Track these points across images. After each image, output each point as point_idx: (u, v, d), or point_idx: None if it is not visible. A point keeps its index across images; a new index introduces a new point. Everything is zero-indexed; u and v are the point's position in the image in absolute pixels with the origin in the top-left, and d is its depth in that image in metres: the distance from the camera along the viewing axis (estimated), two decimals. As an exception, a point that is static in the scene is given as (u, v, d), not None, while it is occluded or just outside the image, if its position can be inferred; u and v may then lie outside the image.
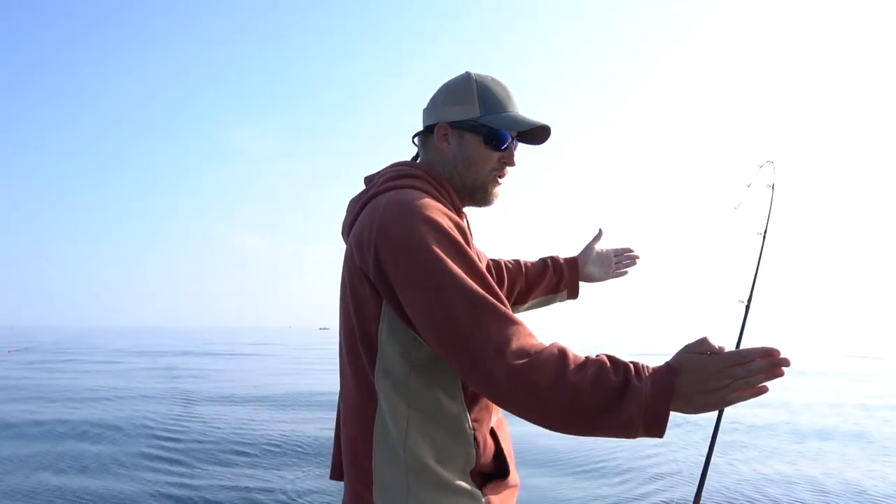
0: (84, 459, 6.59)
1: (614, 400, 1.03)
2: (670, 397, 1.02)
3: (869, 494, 5.20)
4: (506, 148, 1.37)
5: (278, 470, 6.22)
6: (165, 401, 11.46)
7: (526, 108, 1.41)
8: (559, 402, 1.05)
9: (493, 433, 1.31)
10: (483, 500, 1.24)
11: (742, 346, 1.93)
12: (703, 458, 1.87)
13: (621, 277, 1.87)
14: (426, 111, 1.43)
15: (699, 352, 1.05)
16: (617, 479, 5.64)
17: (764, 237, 2.04)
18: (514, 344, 1.08)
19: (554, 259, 1.83)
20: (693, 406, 1.04)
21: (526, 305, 1.82)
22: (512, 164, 1.39)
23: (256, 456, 6.79)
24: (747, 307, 1.97)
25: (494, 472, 1.30)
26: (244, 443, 7.51)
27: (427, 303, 1.13)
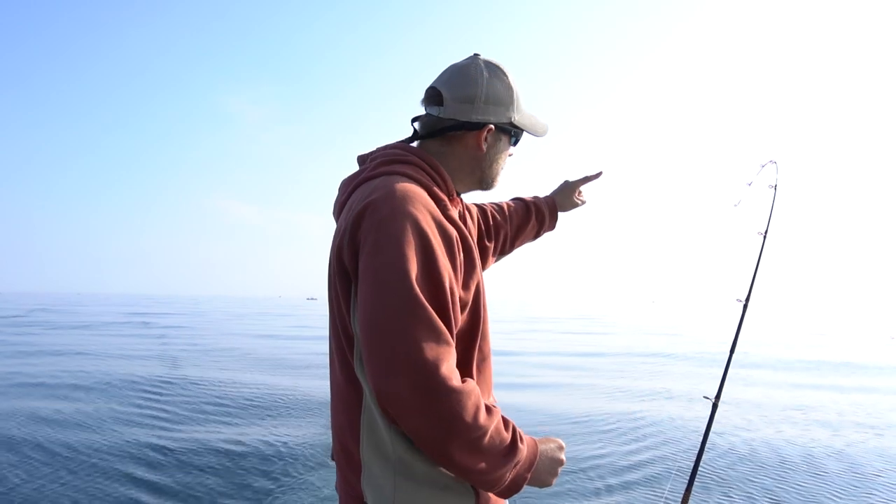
0: (62, 414, 6.68)
1: (501, 455, 1.14)
2: (531, 469, 1.20)
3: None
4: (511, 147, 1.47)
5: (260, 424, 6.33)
6: (150, 361, 11.55)
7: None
8: (461, 434, 1.09)
9: None
10: (473, 495, 1.23)
11: (738, 344, 2.03)
12: (704, 426, 1.95)
13: (581, 206, 1.93)
14: (455, 101, 1.36)
15: (549, 438, 1.28)
16: (621, 446, 5.81)
17: (764, 237, 2.09)
18: (444, 366, 1.08)
19: (536, 205, 1.87)
20: (536, 479, 1.24)
21: (513, 251, 1.88)
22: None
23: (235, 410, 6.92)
24: (745, 306, 2.03)
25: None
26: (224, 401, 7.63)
27: (372, 293, 1.13)
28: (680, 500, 1.92)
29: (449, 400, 1.07)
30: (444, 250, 1.20)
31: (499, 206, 1.82)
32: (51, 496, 4.40)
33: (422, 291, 1.12)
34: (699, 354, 15.58)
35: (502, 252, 1.82)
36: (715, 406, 1.98)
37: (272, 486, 4.81)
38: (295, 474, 5.10)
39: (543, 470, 1.23)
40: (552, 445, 1.27)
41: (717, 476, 5.12)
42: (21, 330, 21.45)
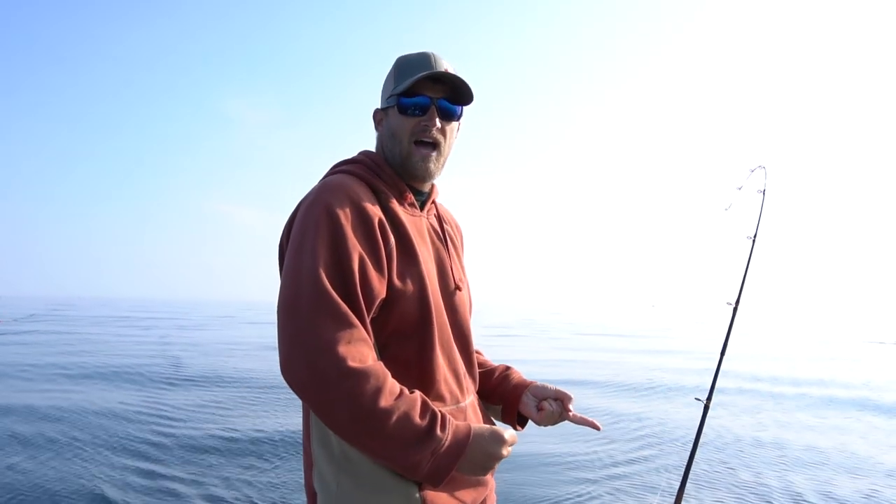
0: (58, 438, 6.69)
1: (411, 440, 1.11)
2: (458, 459, 1.14)
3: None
4: (425, 112, 1.33)
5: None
6: (154, 367, 11.56)
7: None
8: (362, 418, 1.09)
9: None
10: (417, 495, 1.20)
11: (728, 347, 2.06)
12: (696, 426, 1.99)
13: (540, 425, 1.54)
14: None
15: (492, 429, 1.21)
16: (611, 444, 5.82)
17: (753, 242, 2.13)
18: (341, 347, 1.10)
19: (506, 377, 1.58)
20: (467, 469, 1.18)
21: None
22: (432, 125, 1.33)
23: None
24: (735, 309, 2.06)
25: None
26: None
27: (283, 279, 1.20)
28: (673, 500, 1.95)
29: (345, 381, 1.09)
30: (358, 233, 1.22)
31: (492, 368, 1.61)
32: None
33: (328, 274, 1.15)
34: (697, 357, 15.60)
35: None
36: (706, 408, 2.02)
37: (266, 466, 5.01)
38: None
39: (474, 461, 1.18)
40: (488, 437, 1.19)
41: (709, 476, 5.15)
42: (18, 337, 21.45)
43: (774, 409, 8.52)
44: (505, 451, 1.22)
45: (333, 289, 1.15)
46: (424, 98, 1.34)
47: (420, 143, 1.35)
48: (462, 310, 1.43)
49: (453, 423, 1.18)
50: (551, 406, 1.49)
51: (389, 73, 1.42)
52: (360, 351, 1.13)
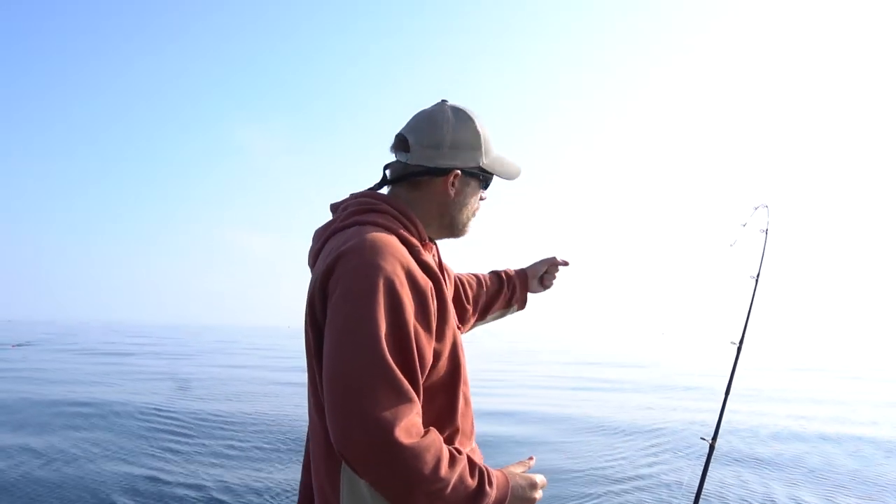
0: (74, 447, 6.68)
1: (468, 500, 1.16)
2: None
3: None
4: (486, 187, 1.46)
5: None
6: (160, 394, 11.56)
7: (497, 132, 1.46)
8: (424, 492, 1.11)
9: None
10: None
11: (732, 388, 2.06)
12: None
13: (548, 289, 1.95)
14: (422, 146, 1.37)
15: (523, 473, 1.31)
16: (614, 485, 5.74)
17: (756, 281, 2.13)
18: (401, 422, 1.09)
19: (507, 274, 1.89)
20: None
21: (486, 320, 1.90)
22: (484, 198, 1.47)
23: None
24: (739, 349, 2.06)
25: None
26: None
27: (336, 347, 1.13)
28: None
29: (405, 456, 1.08)
30: (414, 302, 1.20)
31: (475, 276, 1.87)
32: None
33: (387, 346, 1.12)
34: (703, 391, 15.42)
35: (479, 319, 1.84)
36: (712, 447, 2.01)
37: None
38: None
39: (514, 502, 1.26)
40: (523, 483, 1.29)
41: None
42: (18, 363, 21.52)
43: (777, 451, 8.38)
44: (538, 494, 1.31)
45: (393, 361, 1.12)
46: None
47: (475, 211, 1.47)
48: (462, 349, 1.44)
49: (495, 476, 1.24)
50: (552, 276, 1.93)
51: (473, 136, 1.39)
52: (417, 424, 1.13)
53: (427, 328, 1.22)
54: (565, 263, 1.91)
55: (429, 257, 1.32)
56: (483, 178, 1.43)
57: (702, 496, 1.95)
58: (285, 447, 7.45)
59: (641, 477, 6.33)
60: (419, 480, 1.10)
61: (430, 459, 1.11)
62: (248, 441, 7.78)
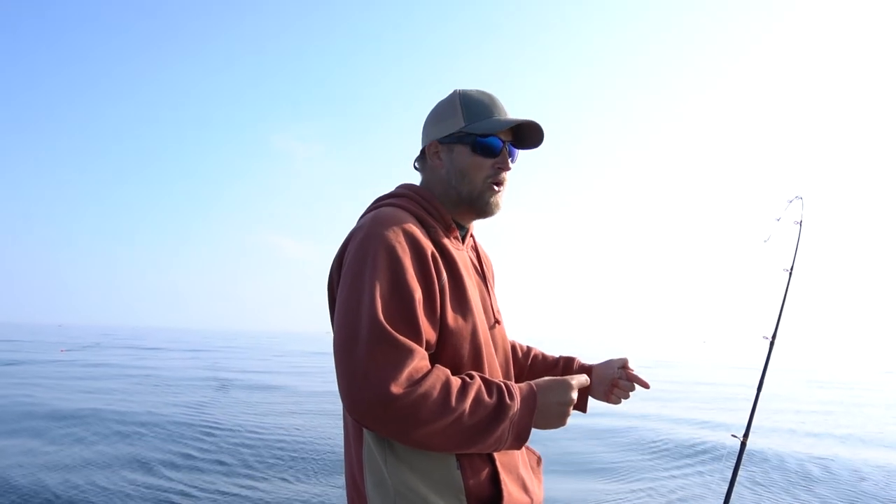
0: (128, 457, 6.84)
1: (491, 418, 1.17)
2: (533, 415, 1.22)
3: None
4: (498, 153, 1.39)
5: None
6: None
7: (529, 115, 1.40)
8: (442, 428, 1.12)
9: (487, 454, 1.27)
10: None
11: (765, 382, 2.00)
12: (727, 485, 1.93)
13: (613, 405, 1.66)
14: (423, 135, 1.46)
15: (554, 379, 1.29)
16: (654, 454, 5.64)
17: (790, 274, 2.08)
18: (397, 372, 1.10)
19: (569, 362, 1.69)
20: (545, 423, 1.26)
21: None
22: (507, 168, 1.40)
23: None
24: (772, 343, 2.01)
25: (491, 496, 1.25)
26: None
27: (341, 314, 1.18)
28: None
29: (400, 406, 1.09)
30: (415, 268, 1.22)
31: (528, 349, 1.75)
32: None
33: (384, 304, 1.15)
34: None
35: None
36: (743, 444, 1.96)
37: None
38: None
39: (548, 413, 1.25)
40: (554, 386, 1.27)
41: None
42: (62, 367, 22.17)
43: (811, 444, 8.09)
44: (574, 394, 1.28)
45: (392, 324, 1.14)
46: (499, 141, 1.39)
47: (495, 182, 1.40)
48: (504, 344, 1.44)
49: (517, 388, 1.23)
50: (624, 384, 1.58)
51: (448, 108, 1.42)
52: (420, 368, 1.14)
53: (429, 301, 1.24)
54: (645, 385, 1.58)
55: (448, 239, 1.36)
56: (469, 141, 1.38)
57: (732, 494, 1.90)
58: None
59: (674, 476, 6.20)
60: (427, 422, 1.11)
61: (432, 400, 1.12)
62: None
